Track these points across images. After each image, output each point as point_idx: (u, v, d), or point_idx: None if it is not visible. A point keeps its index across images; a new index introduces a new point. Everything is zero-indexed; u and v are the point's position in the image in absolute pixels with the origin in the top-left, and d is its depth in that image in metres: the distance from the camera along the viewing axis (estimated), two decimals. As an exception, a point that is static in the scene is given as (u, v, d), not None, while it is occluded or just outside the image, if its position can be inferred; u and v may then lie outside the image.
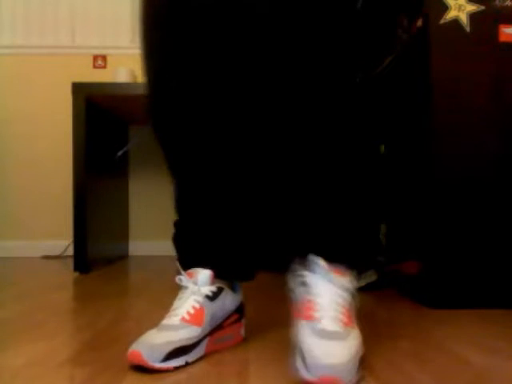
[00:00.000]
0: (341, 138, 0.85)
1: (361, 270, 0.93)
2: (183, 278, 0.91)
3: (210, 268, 0.91)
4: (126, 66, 2.76)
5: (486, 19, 1.32)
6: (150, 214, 2.84)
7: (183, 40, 0.83)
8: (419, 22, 1.39)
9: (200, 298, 0.87)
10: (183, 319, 0.85)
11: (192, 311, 0.86)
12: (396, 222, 1.81)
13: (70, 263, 2.36)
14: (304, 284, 0.84)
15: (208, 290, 0.89)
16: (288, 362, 0.77)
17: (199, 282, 0.89)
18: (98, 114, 2.24)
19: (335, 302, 0.80)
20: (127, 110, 2.41)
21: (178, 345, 0.81)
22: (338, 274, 0.83)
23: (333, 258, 0.84)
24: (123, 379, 0.77)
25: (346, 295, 0.82)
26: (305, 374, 0.71)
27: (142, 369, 0.79)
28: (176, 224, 0.99)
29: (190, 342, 0.83)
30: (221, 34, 0.82)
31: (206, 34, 0.82)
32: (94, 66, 2.82)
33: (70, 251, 2.73)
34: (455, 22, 1.32)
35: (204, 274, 0.90)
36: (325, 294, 0.80)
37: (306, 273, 0.84)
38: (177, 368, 0.81)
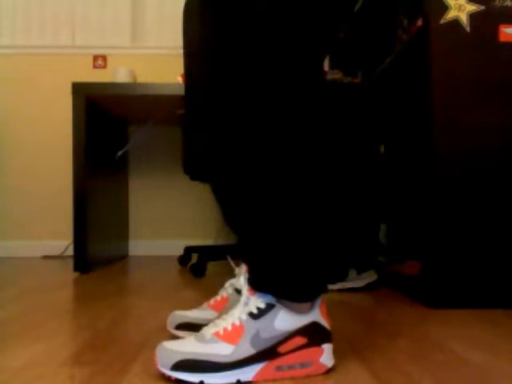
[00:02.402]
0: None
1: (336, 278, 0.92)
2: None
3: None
4: (126, 66, 2.77)
5: (486, 19, 1.32)
6: (150, 214, 2.84)
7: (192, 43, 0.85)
8: (419, 22, 1.39)
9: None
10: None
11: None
12: (396, 221, 1.81)
13: (70, 263, 2.37)
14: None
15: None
16: None
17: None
18: (98, 114, 2.24)
19: (230, 314, 0.81)
20: (127, 110, 2.42)
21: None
22: (250, 292, 0.81)
23: (250, 281, 0.82)
24: (123, 379, 0.77)
25: (244, 314, 0.79)
26: None
27: (142, 369, 0.79)
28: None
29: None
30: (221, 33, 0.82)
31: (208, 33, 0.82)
32: (94, 66, 2.82)
33: (70, 251, 2.74)
34: (455, 21, 1.32)
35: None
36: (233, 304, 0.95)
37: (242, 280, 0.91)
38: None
